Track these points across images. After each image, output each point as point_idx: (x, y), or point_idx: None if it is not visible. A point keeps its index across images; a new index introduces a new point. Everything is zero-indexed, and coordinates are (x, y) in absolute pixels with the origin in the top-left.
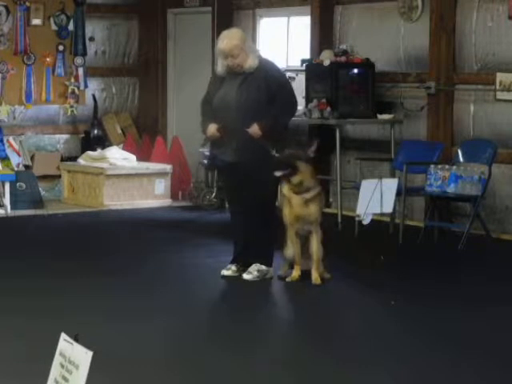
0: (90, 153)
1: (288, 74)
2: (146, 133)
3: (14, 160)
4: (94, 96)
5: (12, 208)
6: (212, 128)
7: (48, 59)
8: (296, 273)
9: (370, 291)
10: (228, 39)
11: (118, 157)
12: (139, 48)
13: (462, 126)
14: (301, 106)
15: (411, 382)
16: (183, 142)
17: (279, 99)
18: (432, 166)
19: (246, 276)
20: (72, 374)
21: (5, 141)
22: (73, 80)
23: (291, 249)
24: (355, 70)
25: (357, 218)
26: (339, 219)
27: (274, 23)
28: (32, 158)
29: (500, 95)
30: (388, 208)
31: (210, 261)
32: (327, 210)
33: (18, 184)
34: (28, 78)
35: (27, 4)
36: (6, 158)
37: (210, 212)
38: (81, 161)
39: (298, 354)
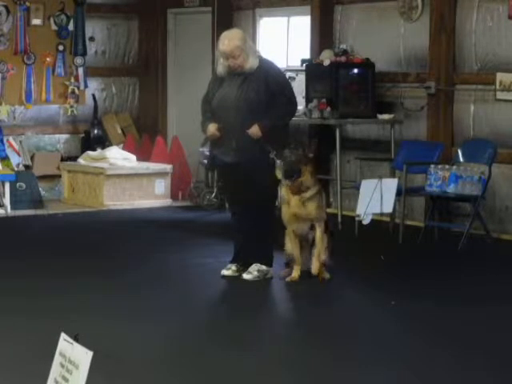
0: (90, 153)
1: (288, 74)
2: (146, 133)
3: (14, 160)
4: (93, 96)
5: (12, 208)
6: (212, 128)
7: (48, 59)
8: (296, 273)
9: (369, 291)
10: (229, 40)
11: (118, 157)
12: (139, 48)
13: (462, 126)
14: (301, 105)
15: (411, 382)
16: (183, 141)
17: (279, 99)
18: (432, 166)
19: (246, 276)
20: (72, 373)
21: (5, 141)
22: (73, 80)
23: (289, 247)
24: (355, 70)
25: (357, 218)
26: (339, 219)
27: (273, 23)
28: (32, 157)
29: (500, 95)
30: (388, 208)
31: (210, 261)
32: (327, 210)
33: (18, 184)
34: (28, 78)
35: (27, 4)
36: (5, 158)
37: (209, 212)
38: (81, 161)
39: (298, 354)
